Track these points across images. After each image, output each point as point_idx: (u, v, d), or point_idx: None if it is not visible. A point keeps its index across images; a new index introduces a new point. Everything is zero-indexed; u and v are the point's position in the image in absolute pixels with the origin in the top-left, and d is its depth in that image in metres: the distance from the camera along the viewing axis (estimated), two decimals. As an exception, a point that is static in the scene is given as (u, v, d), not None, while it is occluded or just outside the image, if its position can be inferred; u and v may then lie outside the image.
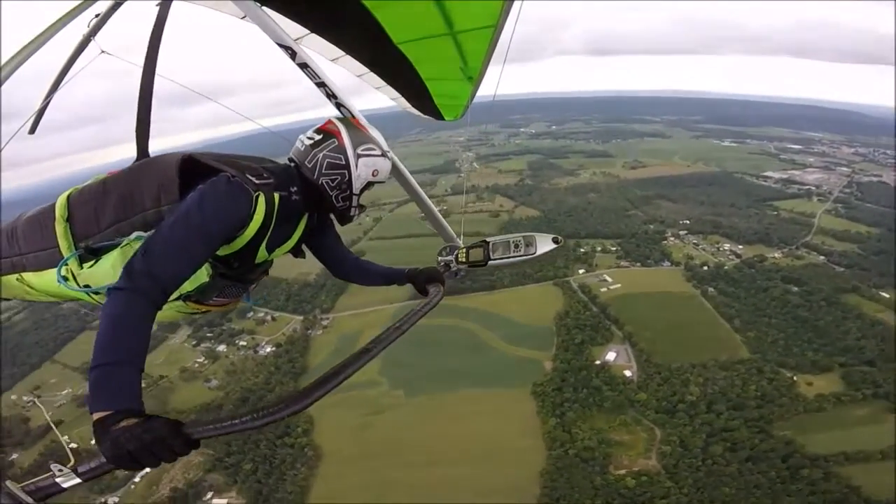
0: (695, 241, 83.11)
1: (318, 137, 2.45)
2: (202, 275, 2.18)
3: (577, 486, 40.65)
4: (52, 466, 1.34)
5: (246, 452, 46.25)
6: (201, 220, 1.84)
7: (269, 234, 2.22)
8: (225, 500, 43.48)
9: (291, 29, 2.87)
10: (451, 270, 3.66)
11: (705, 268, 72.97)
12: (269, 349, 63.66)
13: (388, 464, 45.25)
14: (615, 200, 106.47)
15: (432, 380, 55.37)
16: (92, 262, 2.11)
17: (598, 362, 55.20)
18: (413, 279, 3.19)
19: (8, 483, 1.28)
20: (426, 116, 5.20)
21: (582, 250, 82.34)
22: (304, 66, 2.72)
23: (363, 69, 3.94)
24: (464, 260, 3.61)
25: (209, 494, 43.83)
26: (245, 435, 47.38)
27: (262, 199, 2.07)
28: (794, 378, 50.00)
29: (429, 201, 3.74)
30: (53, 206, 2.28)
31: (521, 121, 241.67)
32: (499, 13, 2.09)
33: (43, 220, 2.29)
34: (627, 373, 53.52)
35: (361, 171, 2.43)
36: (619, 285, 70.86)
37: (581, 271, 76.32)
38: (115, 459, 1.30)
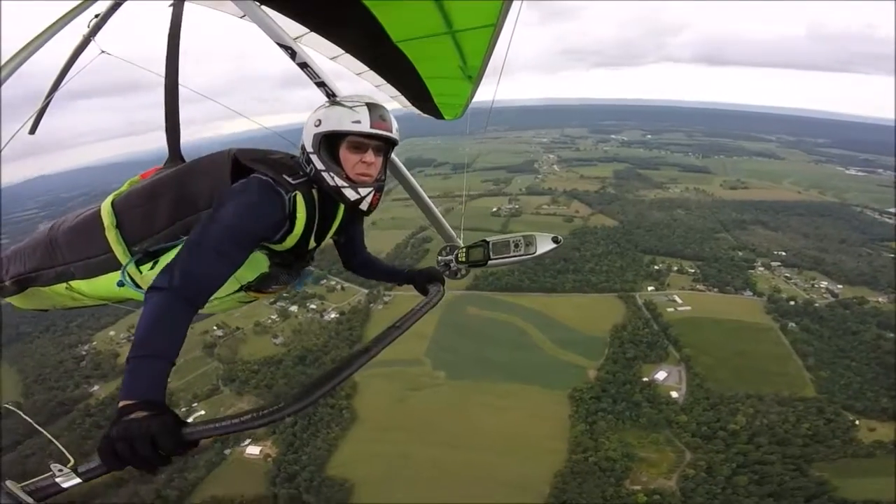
0: (787, 275, 75.70)
1: None
2: (262, 266, 2.28)
3: (587, 494, 40.53)
4: (51, 466, 1.33)
5: (292, 406, 50.87)
6: (236, 223, 1.90)
7: (315, 227, 2.31)
8: (259, 449, 47.29)
9: (290, 28, 2.91)
10: (451, 270, 3.66)
11: (792, 303, 66.53)
12: (333, 315, 69.39)
13: (414, 438, 47.74)
14: (704, 220, 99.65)
15: (474, 367, 57.01)
16: (150, 264, 2.21)
17: (645, 379, 53.58)
18: (413, 279, 3.18)
19: (8, 483, 1.28)
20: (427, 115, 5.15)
21: (656, 267, 78.98)
22: (303, 66, 2.75)
23: (363, 67, 3.97)
24: (464, 259, 3.58)
25: (246, 441, 47.95)
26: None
27: (300, 199, 2.13)
28: (857, 422, 45.94)
29: (428, 200, 3.72)
30: (96, 214, 2.33)
31: (613, 127, 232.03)
32: (498, 12, 2.09)
33: (87, 228, 2.35)
34: (674, 394, 51.46)
35: (307, 126, 2.26)
36: (688, 308, 67.34)
37: (650, 288, 73.31)
38: (101, 452, 1.30)
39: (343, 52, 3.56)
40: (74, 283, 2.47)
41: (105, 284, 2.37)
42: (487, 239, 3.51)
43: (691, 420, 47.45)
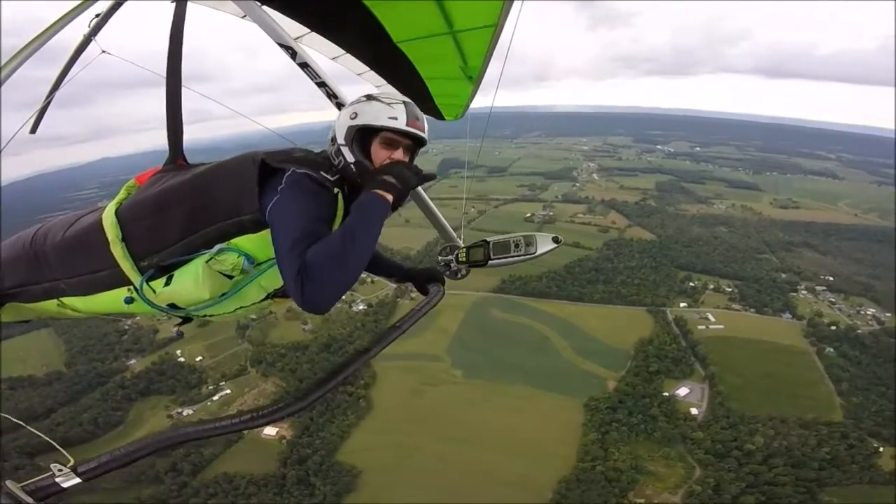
0: (832, 300, 72.18)
1: None
2: None
3: (589, 502, 40.42)
4: (51, 466, 1.35)
5: (314, 390, 52.86)
6: (313, 208, 1.96)
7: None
8: (275, 430, 48.23)
9: (291, 28, 2.91)
10: (452, 270, 3.62)
11: (833, 328, 63.44)
12: (361, 307, 71.74)
13: (425, 432, 48.77)
14: (748, 240, 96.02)
15: (492, 368, 57.73)
16: (164, 279, 2.03)
17: (665, 394, 52.72)
18: (413, 278, 3.17)
19: (8, 483, 1.30)
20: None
21: (691, 284, 77.09)
22: (304, 66, 2.75)
23: (363, 68, 3.97)
24: (464, 259, 3.53)
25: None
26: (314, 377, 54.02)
27: (340, 198, 2.14)
28: (880, 448, 43.90)
29: (428, 200, 3.71)
30: (96, 226, 2.14)
31: (660, 137, 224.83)
32: (498, 13, 2.09)
33: (86, 242, 2.17)
34: (694, 410, 50.48)
35: (341, 119, 2.23)
36: (721, 326, 65.49)
37: (682, 305, 71.59)
38: (383, 183, 2.01)
39: (344, 52, 3.63)
40: (67, 300, 2.29)
41: (106, 301, 2.21)
42: (488, 239, 3.47)
43: (707, 437, 46.44)
